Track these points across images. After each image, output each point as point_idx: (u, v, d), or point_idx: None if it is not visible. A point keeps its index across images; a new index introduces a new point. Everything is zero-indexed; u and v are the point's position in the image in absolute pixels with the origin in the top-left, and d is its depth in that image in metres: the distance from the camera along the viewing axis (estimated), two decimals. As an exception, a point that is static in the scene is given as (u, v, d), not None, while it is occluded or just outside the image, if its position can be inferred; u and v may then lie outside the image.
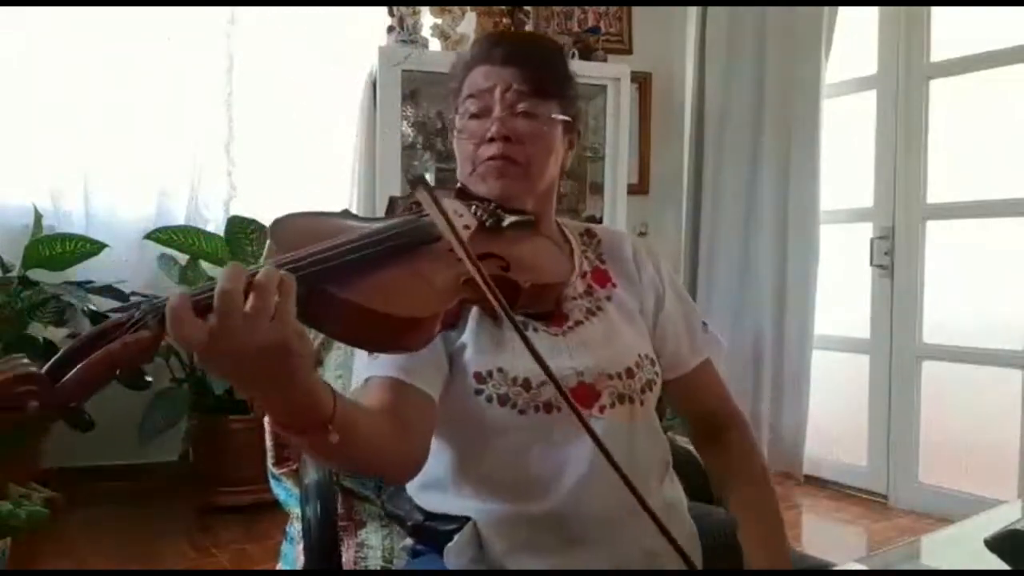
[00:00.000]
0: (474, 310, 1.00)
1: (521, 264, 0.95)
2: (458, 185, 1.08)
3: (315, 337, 1.37)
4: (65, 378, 0.64)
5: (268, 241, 0.84)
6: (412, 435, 0.94)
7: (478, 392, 0.99)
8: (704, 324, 1.18)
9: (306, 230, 0.86)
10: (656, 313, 1.15)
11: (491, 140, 1.04)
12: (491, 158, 1.04)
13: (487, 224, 1.00)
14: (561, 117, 1.08)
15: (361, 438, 0.84)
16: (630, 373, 1.05)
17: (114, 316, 0.68)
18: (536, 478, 0.99)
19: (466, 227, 0.97)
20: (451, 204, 0.98)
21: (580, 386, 1.01)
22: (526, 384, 0.99)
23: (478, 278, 0.84)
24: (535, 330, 1.03)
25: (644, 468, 1.04)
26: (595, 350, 1.04)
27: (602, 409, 1.01)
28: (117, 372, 0.66)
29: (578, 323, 1.06)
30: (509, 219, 1.02)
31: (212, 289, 0.67)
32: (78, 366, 0.65)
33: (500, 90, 1.05)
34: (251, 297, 0.66)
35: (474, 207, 1.02)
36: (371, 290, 0.80)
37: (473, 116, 1.06)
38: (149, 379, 0.63)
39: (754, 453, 1.19)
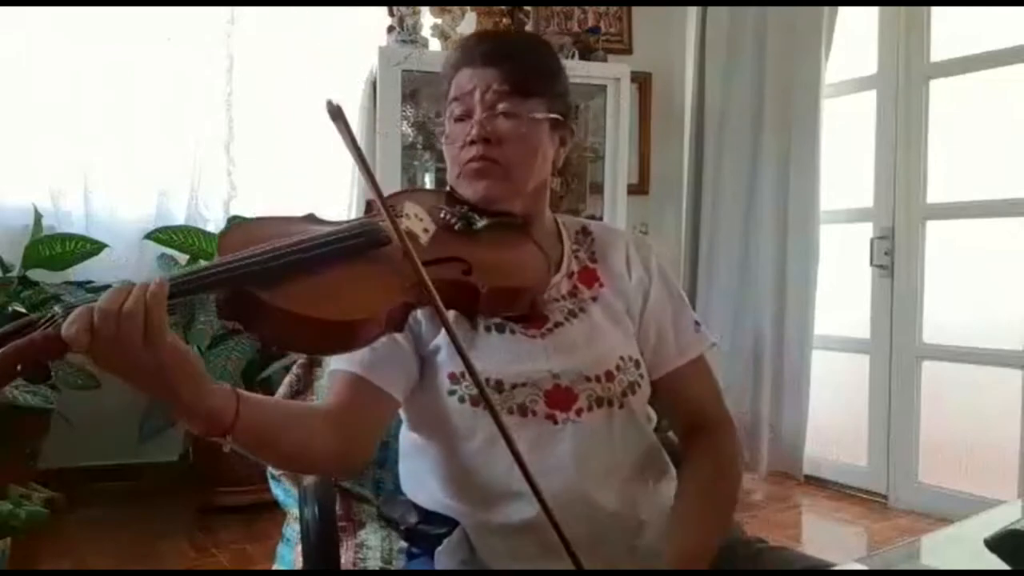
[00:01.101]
0: (451, 314, 0.99)
1: (487, 268, 0.94)
2: (447, 188, 1.08)
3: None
4: None
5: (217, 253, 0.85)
6: (359, 432, 0.96)
7: (451, 392, 1.00)
8: (697, 324, 1.15)
9: (255, 235, 0.87)
10: (642, 311, 1.12)
11: (472, 142, 1.03)
12: (472, 160, 1.03)
13: (456, 227, 0.99)
14: (544, 115, 1.06)
15: (280, 441, 0.88)
16: (610, 376, 1.03)
17: (34, 315, 0.72)
18: (512, 484, 0.96)
19: (425, 231, 0.97)
20: (413, 208, 0.98)
21: (556, 389, 1.00)
22: (499, 386, 0.98)
23: (425, 277, 0.85)
24: (512, 332, 1.02)
25: (623, 471, 1.03)
26: (574, 352, 1.03)
27: (579, 412, 1.00)
28: (18, 367, 0.68)
29: (558, 325, 1.04)
30: (483, 222, 1.01)
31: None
32: None
33: (480, 91, 1.03)
34: (119, 322, 0.71)
35: (444, 211, 1.01)
36: (300, 294, 0.80)
37: (457, 119, 1.06)
38: (51, 374, 0.69)
39: (734, 463, 1.13)
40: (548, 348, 1.02)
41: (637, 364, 1.07)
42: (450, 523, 1.02)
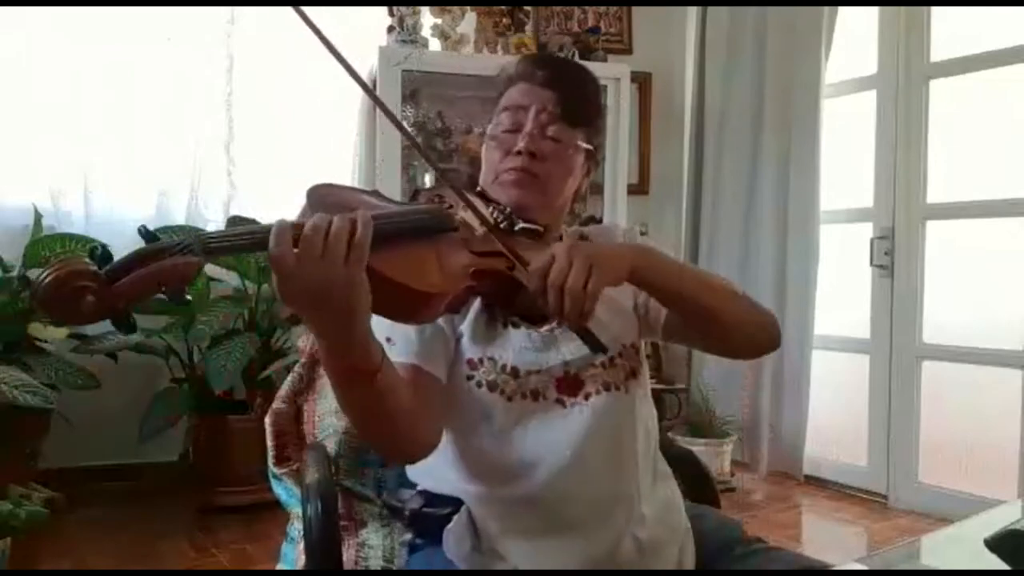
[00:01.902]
0: (475, 303, 1.06)
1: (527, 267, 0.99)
2: (478, 190, 1.13)
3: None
4: (119, 282, 0.72)
5: (304, 204, 0.90)
6: (428, 417, 1.00)
7: (469, 377, 1.05)
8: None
9: (338, 198, 0.93)
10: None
11: (517, 153, 1.10)
12: (513, 169, 1.10)
13: (500, 225, 1.05)
14: (585, 146, 1.14)
15: (399, 401, 0.91)
16: (612, 362, 1.10)
17: (170, 240, 0.76)
18: (521, 461, 1.03)
19: (498, 222, 1.04)
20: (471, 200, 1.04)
21: (566, 376, 1.07)
22: (514, 372, 1.05)
23: (503, 249, 0.94)
24: (526, 328, 1.08)
25: (625, 455, 1.08)
26: (581, 343, 1.06)
27: (587, 397, 1.07)
28: (162, 288, 0.74)
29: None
30: (520, 225, 1.07)
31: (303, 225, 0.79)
32: (131, 274, 0.72)
33: (535, 109, 1.11)
34: (328, 240, 0.77)
35: (491, 208, 1.08)
36: (392, 261, 0.86)
37: (506, 130, 1.12)
38: (189, 298, 0.74)
39: (746, 299, 1.17)
40: (559, 340, 1.08)
41: (637, 351, 1.15)
42: (455, 504, 1.06)
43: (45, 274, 0.70)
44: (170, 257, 0.74)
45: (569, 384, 1.06)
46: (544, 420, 1.04)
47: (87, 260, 0.71)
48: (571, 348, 1.07)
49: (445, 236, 0.97)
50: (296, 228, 0.78)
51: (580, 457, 1.03)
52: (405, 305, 0.89)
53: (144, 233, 0.77)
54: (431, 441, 1.01)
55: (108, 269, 0.72)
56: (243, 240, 0.80)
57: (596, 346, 0.95)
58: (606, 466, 1.05)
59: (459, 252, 0.96)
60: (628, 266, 0.98)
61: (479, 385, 1.05)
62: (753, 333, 1.14)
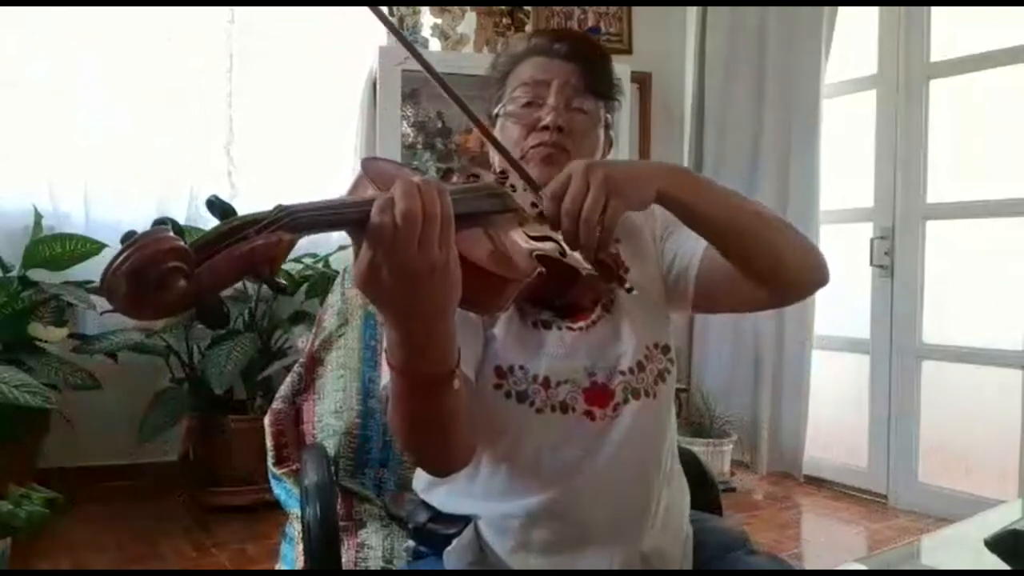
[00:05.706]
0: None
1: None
2: (499, 170, 1.07)
3: (316, 336, 1.37)
4: (210, 262, 0.60)
5: (359, 173, 0.82)
6: (471, 420, 0.93)
7: (497, 387, 0.99)
8: None
9: (396, 174, 0.82)
10: (661, 239, 1.14)
11: (544, 128, 1.06)
12: (543, 144, 1.06)
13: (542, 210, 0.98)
14: (608, 116, 1.13)
15: (461, 404, 0.85)
16: (640, 366, 1.04)
17: (250, 214, 0.64)
18: (545, 476, 0.99)
19: (533, 205, 0.97)
20: (517, 181, 0.99)
21: (592, 385, 1.01)
22: (545, 383, 0.99)
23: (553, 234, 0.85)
24: (559, 328, 1.03)
25: (656, 463, 1.05)
26: (608, 347, 1.03)
27: (616, 408, 1.01)
28: (255, 269, 0.63)
29: (595, 321, 1.05)
30: None
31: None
32: (222, 253, 0.61)
33: (559, 83, 1.08)
34: (426, 219, 0.68)
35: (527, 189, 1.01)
36: (473, 245, 0.78)
37: (527, 104, 1.09)
38: (284, 283, 0.63)
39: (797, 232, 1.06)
40: (589, 345, 1.03)
41: (665, 349, 1.08)
42: (460, 522, 1.02)
43: (125, 255, 0.56)
44: (257, 234, 0.62)
45: (598, 395, 1.01)
46: (572, 435, 0.99)
47: (172, 234, 0.58)
48: (597, 355, 1.02)
49: (505, 217, 0.88)
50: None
51: (608, 473, 0.99)
52: (487, 294, 0.79)
53: (216, 204, 0.69)
54: (474, 449, 0.95)
55: (196, 246, 0.60)
56: (333, 214, 0.69)
57: (615, 280, 0.87)
58: (633, 481, 1.01)
59: (519, 235, 0.88)
60: (655, 187, 0.90)
61: (508, 396, 0.98)
62: (806, 262, 1.01)
